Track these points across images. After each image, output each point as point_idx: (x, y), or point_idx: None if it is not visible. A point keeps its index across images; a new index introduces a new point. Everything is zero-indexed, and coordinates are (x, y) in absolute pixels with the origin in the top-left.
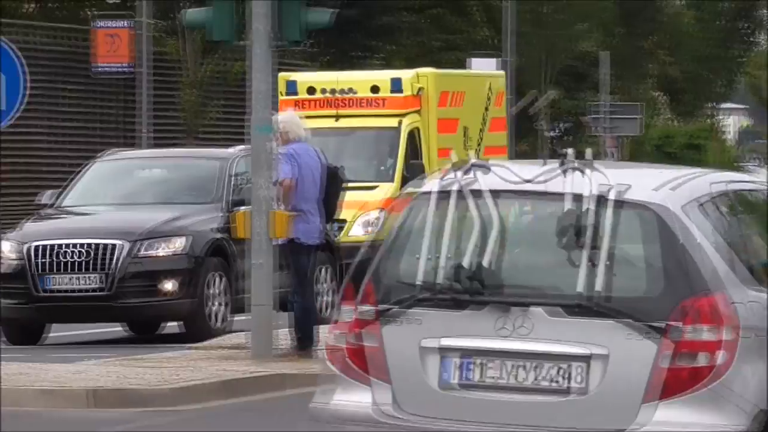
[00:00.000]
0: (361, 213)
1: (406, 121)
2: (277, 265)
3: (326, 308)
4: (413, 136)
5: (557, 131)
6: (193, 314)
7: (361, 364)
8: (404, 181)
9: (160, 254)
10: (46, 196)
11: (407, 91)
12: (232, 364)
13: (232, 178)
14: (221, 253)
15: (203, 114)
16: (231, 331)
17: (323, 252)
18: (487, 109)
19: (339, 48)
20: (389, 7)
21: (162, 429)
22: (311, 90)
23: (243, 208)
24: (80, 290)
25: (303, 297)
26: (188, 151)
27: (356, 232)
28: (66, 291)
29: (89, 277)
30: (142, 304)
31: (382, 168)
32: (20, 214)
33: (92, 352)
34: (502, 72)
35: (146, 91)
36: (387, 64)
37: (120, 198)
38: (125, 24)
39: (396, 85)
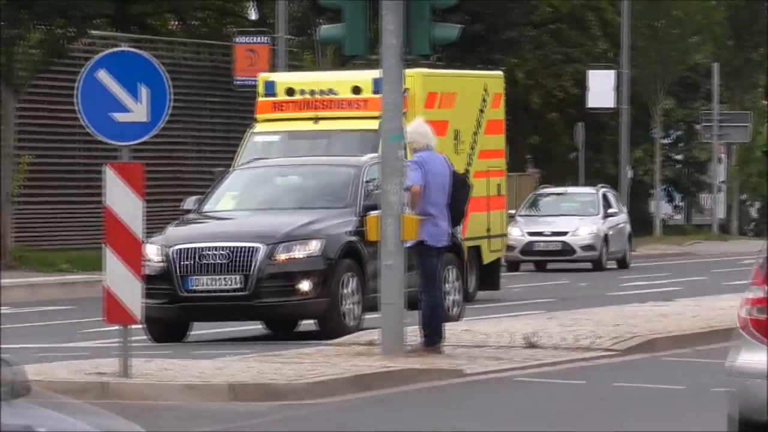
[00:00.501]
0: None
1: None
2: (407, 266)
3: (453, 306)
4: None
5: (670, 138)
6: (328, 313)
7: (762, 331)
8: None
9: (297, 256)
10: (189, 202)
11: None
12: (364, 359)
13: (365, 184)
14: (354, 255)
15: None
16: (363, 329)
17: (450, 253)
18: (482, 111)
19: (464, 61)
20: (513, 23)
21: (298, 421)
22: (290, 91)
23: (374, 212)
24: (221, 291)
25: (431, 296)
26: (323, 159)
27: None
28: (208, 291)
29: (230, 278)
30: (280, 303)
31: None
32: (166, 220)
33: (232, 349)
34: (499, 73)
35: None
36: (509, 77)
37: (258, 203)
38: (264, 40)
39: (379, 85)
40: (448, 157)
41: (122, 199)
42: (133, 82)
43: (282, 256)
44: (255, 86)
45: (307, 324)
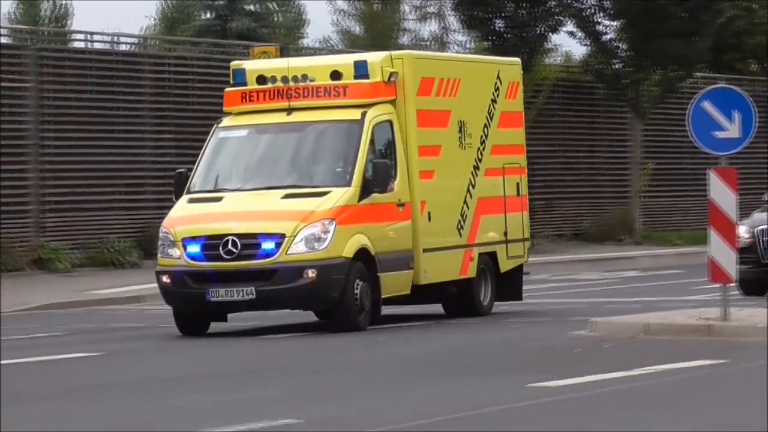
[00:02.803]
0: (304, 225)
1: (372, 112)
2: None
3: None
4: (384, 131)
5: None
6: None
7: None
8: (366, 184)
9: None
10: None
11: (375, 76)
12: None
13: None
14: None
15: None
16: None
17: None
18: (494, 101)
19: None
20: None
21: None
22: (261, 79)
23: None
24: None
25: None
26: None
27: (297, 249)
28: None
29: None
30: None
31: (338, 169)
32: (751, 208)
33: None
34: (515, 60)
35: None
36: None
37: None
38: None
39: (361, 69)
40: (452, 151)
41: (721, 193)
42: (729, 110)
43: None
44: None
45: None
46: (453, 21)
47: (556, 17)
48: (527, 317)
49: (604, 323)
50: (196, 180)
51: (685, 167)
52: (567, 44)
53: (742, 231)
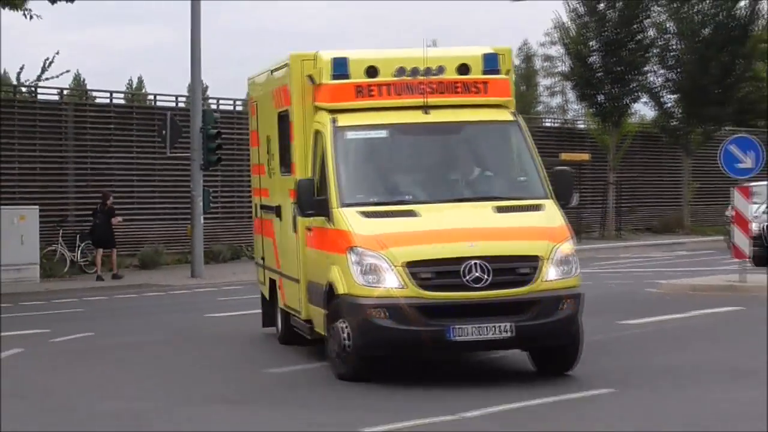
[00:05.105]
0: (555, 246)
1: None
2: None
3: None
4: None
5: None
6: None
7: None
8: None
9: None
10: None
11: (503, 71)
12: None
13: None
14: None
15: None
16: None
17: None
18: None
19: None
20: None
21: None
22: (372, 71)
23: None
24: None
25: None
26: None
27: (551, 275)
28: None
29: None
30: None
31: (521, 178)
32: None
33: None
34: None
35: None
36: None
37: None
38: None
39: (491, 62)
40: None
41: (740, 203)
42: (746, 150)
43: None
44: None
45: None
46: (571, 96)
47: (637, 93)
48: (618, 279)
49: (667, 284)
50: (346, 190)
51: (717, 186)
52: (643, 110)
53: (754, 226)
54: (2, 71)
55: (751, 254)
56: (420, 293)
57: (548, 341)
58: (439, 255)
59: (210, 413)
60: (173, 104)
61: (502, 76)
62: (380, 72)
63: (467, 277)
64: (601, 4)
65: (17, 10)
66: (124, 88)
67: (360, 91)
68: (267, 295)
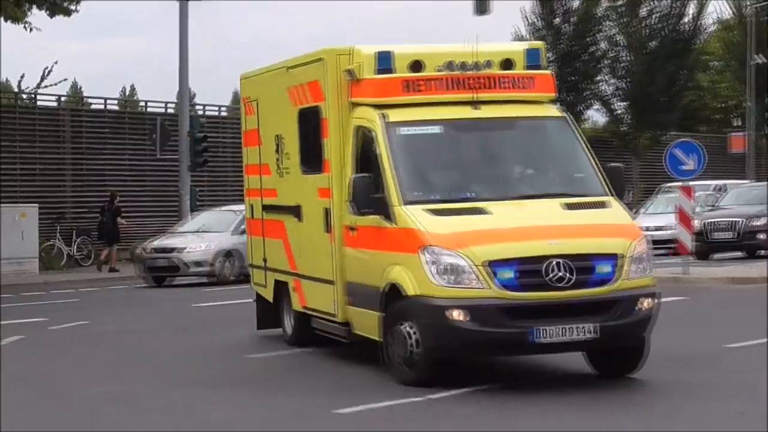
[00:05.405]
0: (632, 243)
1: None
2: None
3: None
4: None
5: None
6: None
7: None
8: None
9: None
10: None
11: (543, 67)
12: None
13: None
14: None
15: None
16: None
17: None
18: None
19: None
20: None
21: None
22: (417, 65)
23: None
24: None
25: None
26: None
27: (629, 273)
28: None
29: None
30: None
31: (579, 175)
32: None
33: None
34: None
35: None
36: None
37: None
38: None
39: (533, 57)
40: None
41: (684, 202)
42: (689, 153)
43: None
44: None
45: None
46: None
47: (590, 100)
48: None
49: None
50: (408, 187)
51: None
52: (595, 116)
53: (696, 223)
54: (4, 79)
55: (693, 249)
56: (503, 293)
57: (627, 342)
58: (521, 253)
59: (195, 395)
60: (163, 110)
61: (546, 71)
62: (425, 66)
63: (550, 276)
64: (557, 19)
65: (18, 23)
66: (117, 95)
67: (408, 85)
68: (270, 298)
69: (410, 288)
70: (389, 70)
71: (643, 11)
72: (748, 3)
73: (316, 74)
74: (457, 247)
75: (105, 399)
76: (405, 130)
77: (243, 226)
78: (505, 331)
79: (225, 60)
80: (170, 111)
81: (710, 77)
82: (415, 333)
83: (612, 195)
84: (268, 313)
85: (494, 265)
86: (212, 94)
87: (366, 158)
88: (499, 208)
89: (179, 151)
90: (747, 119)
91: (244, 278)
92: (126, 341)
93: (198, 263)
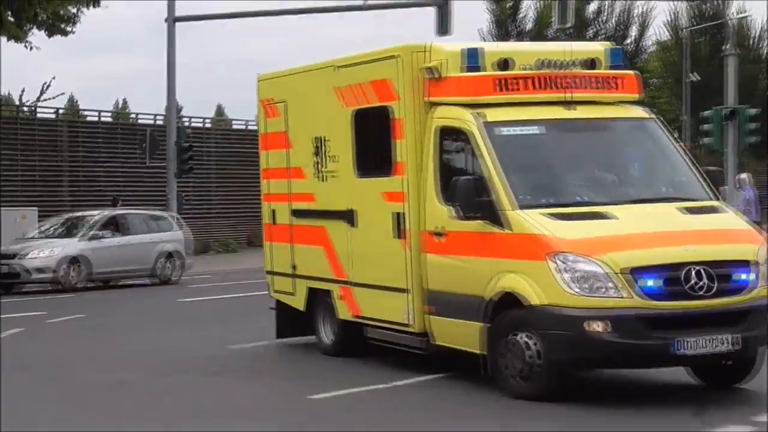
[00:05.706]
0: (760, 248)
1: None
2: None
3: None
4: None
5: None
6: None
7: None
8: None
9: None
10: None
11: (626, 66)
12: None
13: None
14: None
15: None
16: None
17: None
18: None
19: None
20: None
21: None
22: (505, 64)
23: None
24: None
25: None
26: None
27: (763, 281)
28: None
29: None
30: None
31: (682, 178)
32: None
33: None
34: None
35: None
36: None
37: None
38: None
39: (616, 57)
40: None
41: None
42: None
43: None
44: None
45: None
46: None
47: None
48: None
49: None
50: (519, 190)
51: None
52: None
53: None
54: (6, 93)
55: None
56: (645, 303)
57: (757, 352)
58: (662, 260)
59: (183, 383)
60: (152, 122)
61: (631, 71)
62: (513, 65)
63: (690, 284)
64: (512, 40)
65: (20, 42)
66: (111, 108)
67: (500, 84)
68: (301, 306)
69: (533, 297)
70: (477, 68)
71: (590, 32)
72: (683, 26)
73: (385, 72)
74: (593, 254)
75: (99, 385)
76: (506, 131)
77: (92, 232)
78: (647, 342)
79: (209, 76)
80: (159, 122)
81: (650, 93)
82: (535, 344)
83: (718, 199)
84: (293, 321)
85: (635, 273)
86: (198, 107)
87: (447, 161)
88: (622, 212)
89: (167, 159)
90: (683, 132)
91: (92, 285)
92: (118, 333)
93: (40, 270)
